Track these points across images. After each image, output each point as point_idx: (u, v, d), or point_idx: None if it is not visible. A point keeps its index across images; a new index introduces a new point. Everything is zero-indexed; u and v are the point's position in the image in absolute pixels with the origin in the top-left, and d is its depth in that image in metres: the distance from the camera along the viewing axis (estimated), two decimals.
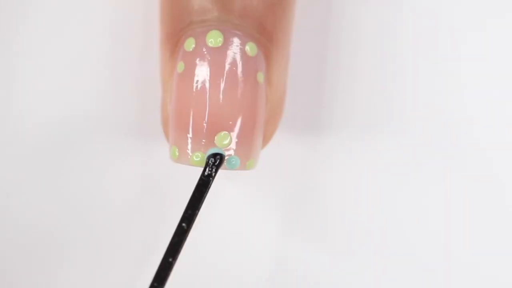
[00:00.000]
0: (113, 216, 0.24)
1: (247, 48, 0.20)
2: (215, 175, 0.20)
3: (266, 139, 0.22)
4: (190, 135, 0.20)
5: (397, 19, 0.24)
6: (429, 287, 0.25)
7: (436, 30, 0.24)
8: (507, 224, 0.25)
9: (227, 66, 0.20)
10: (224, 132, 0.20)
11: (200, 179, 0.20)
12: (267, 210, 0.25)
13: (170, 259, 0.19)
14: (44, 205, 0.24)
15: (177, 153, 0.20)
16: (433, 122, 0.24)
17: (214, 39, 0.20)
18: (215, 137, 0.20)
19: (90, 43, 0.24)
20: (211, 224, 0.24)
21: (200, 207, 0.19)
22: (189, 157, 0.20)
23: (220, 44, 0.20)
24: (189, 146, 0.20)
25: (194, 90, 0.20)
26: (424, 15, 0.24)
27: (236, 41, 0.20)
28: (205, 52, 0.20)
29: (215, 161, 0.19)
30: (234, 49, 0.20)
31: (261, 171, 0.23)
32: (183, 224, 0.19)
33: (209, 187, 0.20)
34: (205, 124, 0.20)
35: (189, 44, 0.20)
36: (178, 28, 0.21)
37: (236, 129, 0.20)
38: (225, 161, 0.20)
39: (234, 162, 0.20)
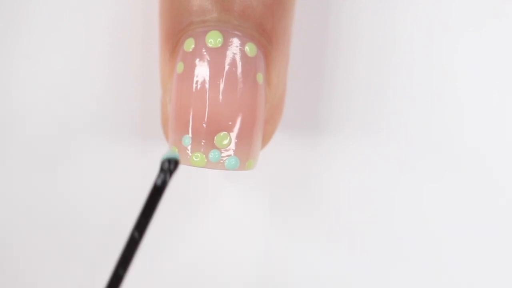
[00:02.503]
0: (113, 216, 0.24)
1: (247, 48, 0.20)
2: (169, 181, 0.18)
3: (265, 139, 0.22)
4: (189, 135, 0.20)
5: (395, 20, 0.24)
6: (425, 285, 0.25)
7: (433, 31, 0.24)
8: (502, 222, 0.25)
9: (226, 67, 0.20)
10: (224, 132, 0.20)
11: (154, 185, 0.18)
12: (266, 210, 0.25)
13: (121, 271, 0.18)
14: (43, 205, 0.24)
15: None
16: (430, 122, 0.24)
17: (213, 39, 0.20)
18: (215, 138, 0.20)
19: (90, 44, 0.24)
20: (209, 224, 0.24)
21: (153, 215, 0.18)
22: (188, 157, 0.20)
23: (219, 45, 0.20)
24: (189, 147, 0.20)
25: (193, 90, 0.20)
26: (421, 16, 0.24)
27: (235, 41, 0.20)
28: (205, 53, 0.20)
29: (170, 166, 0.18)
30: (234, 50, 0.20)
31: (260, 171, 0.23)
32: (135, 233, 0.18)
33: (163, 194, 0.18)
34: (204, 125, 0.20)
35: (189, 44, 0.20)
36: (177, 29, 0.21)
37: (236, 129, 0.20)
38: (224, 162, 0.20)
39: (233, 162, 0.20)
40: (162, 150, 0.23)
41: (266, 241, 0.25)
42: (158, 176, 0.18)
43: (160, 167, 0.18)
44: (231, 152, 0.20)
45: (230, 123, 0.20)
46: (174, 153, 0.18)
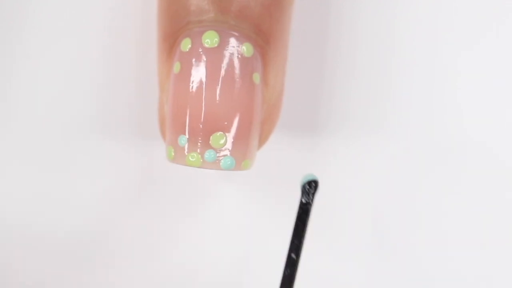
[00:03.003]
0: (112, 216, 0.24)
1: (243, 48, 0.20)
2: (313, 201, 0.20)
3: (262, 140, 0.22)
4: (186, 135, 0.20)
5: (395, 21, 0.24)
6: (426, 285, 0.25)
7: (433, 31, 0.24)
8: (503, 220, 0.25)
9: (223, 67, 0.20)
10: (220, 132, 0.20)
11: (300, 208, 0.20)
12: (263, 210, 0.25)
13: None
14: (43, 205, 0.24)
15: (173, 153, 0.20)
16: (429, 122, 0.24)
17: (210, 39, 0.20)
18: (211, 138, 0.20)
19: (88, 44, 0.24)
20: (207, 225, 0.24)
21: (305, 236, 0.19)
22: (184, 157, 0.20)
23: (216, 45, 0.20)
24: (185, 147, 0.20)
25: (190, 90, 0.20)
26: (421, 15, 0.24)
27: (232, 41, 0.20)
28: (201, 53, 0.20)
29: (311, 188, 0.20)
30: (230, 50, 0.20)
31: (258, 172, 0.23)
32: (292, 255, 0.19)
33: (310, 214, 0.20)
34: (200, 125, 0.20)
35: (186, 44, 0.20)
36: (175, 29, 0.21)
37: (232, 129, 0.20)
38: (220, 162, 0.20)
39: (229, 162, 0.20)
40: (161, 150, 0.23)
41: (264, 241, 0.25)
42: (302, 198, 0.20)
43: (302, 189, 0.20)
44: (227, 152, 0.20)
45: (226, 123, 0.20)
46: (312, 175, 0.19)
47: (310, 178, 0.20)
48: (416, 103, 0.24)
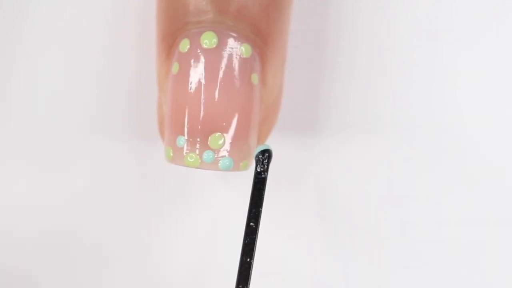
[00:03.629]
0: (111, 216, 0.24)
1: (242, 49, 0.20)
2: (267, 170, 0.20)
3: (261, 140, 0.22)
4: (184, 136, 0.20)
5: (395, 21, 0.24)
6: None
7: (433, 33, 0.24)
8: (505, 222, 0.25)
9: (221, 68, 0.20)
10: (218, 133, 0.20)
11: (255, 177, 0.20)
12: (263, 210, 0.25)
13: (248, 259, 0.20)
14: (42, 205, 0.24)
15: (171, 154, 0.20)
16: (429, 124, 0.24)
17: (208, 40, 0.20)
18: (209, 138, 0.20)
19: (88, 44, 0.24)
20: (205, 225, 0.25)
21: (262, 204, 0.20)
22: (183, 158, 0.20)
23: (214, 46, 0.20)
24: (184, 147, 0.20)
25: (188, 91, 0.20)
26: (421, 15, 0.24)
27: (230, 42, 0.20)
28: (200, 53, 0.20)
29: (264, 158, 0.20)
30: (229, 51, 0.20)
31: None
32: (251, 224, 0.20)
33: (265, 183, 0.20)
34: (199, 126, 0.20)
35: (184, 45, 0.20)
36: (173, 29, 0.21)
37: (230, 130, 0.20)
38: (218, 163, 0.20)
39: (227, 163, 0.20)
40: (160, 151, 0.23)
41: (263, 242, 0.25)
42: (256, 168, 0.20)
43: (255, 159, 0.20)
44: (225, 153, 0.20)
45: (225, 124, 0.20)
46: (265, 145, 0.20)
47: (263, 147, 0.20)
48: (416, 103, 0.24)
